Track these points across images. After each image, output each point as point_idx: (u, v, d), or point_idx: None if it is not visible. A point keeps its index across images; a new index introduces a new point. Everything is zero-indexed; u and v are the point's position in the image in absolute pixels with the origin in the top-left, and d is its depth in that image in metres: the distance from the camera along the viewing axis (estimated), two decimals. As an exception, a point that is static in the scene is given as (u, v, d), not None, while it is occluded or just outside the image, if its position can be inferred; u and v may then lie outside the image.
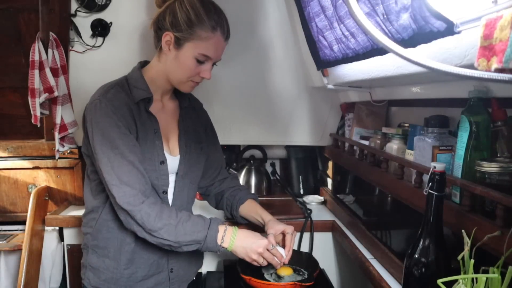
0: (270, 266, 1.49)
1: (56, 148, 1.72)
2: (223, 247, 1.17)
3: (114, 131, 1.12)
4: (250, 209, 1.41)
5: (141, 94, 1.21)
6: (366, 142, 1.50)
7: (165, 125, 1.28)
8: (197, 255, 1.41)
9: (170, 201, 1.27)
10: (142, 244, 1.23)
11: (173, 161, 1.27)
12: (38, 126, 1.69)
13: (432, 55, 0.81)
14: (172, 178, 1.28)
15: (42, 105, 1.66)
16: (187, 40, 1.15)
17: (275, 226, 1.31)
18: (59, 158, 1.80)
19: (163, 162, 1.23)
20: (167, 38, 1.17)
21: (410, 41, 0.82)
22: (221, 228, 1.17)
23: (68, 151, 1.82)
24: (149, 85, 1.23)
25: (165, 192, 1.25)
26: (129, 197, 1.10)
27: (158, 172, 1.21)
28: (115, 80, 1.24)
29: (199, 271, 1.71)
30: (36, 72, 1.63)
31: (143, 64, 1.29)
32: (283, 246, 1.30)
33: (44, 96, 1.63)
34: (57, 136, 1.69)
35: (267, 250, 1.20)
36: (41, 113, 1.68)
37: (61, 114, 1.69)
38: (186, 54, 1.17)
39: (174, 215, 1.14)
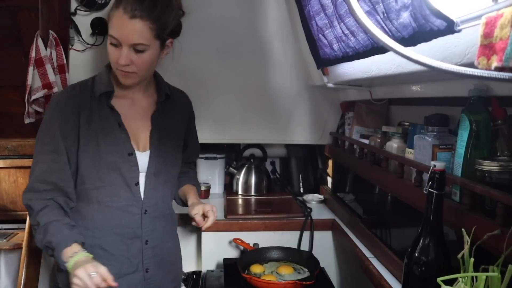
0: (270, 264, 1.50)
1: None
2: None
3: (47, 127, 1.18)
4: (183, 191, 1.39)
5: (102, 88, 1.21)
6: (366, 141, 1.50)
7: (133, 120, 1.25)
8: (175, 265, 1.37)
9: (142, 196, 1.23)
10: (110, 242, 1.20)
11: (141, 156, 1.23)
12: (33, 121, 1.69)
13: (432, 53, 0.81)
14: (143, 175, 1.24)
15: (37, 102, 1.66)
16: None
17: (195, 207, 1.29)
18: (59, 156, 1.80)
19: (132, 153, 1.21)
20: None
21: (410, 40, 0.82)
22: (70, 250, 1.08)
23: (68, 150, 1.81)
24: (114, 81, 1.22)
25: (137, 184, 1.22)
26: (31, 190, 1.16)
27: (128, 163, 1.20)
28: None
29: (199, 269, 1.71)
30: (35, 69, 1.63)
31: None
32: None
33: (42, 92, 1.63)
34: (57, 135, 1.69)
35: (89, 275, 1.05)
36: (36, 111, 1.67)
37: (60, 113, 1.69)
38: (108, 41, 1.16)
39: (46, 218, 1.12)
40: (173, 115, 1.34)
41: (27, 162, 1.86)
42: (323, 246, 1.69)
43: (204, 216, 1.27)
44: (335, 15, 1.14)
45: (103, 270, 1.04)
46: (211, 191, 2.04)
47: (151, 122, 1.28)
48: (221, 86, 1.88)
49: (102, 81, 1.22)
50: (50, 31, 1.65)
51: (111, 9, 1.13)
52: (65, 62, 1.72)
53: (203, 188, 1.99)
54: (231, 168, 2.11)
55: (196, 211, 1.26)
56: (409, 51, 0.56)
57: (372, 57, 1.06)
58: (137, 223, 1.22)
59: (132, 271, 1.23)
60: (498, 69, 0.48)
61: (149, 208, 1.23)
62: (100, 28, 1.71)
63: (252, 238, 1.64)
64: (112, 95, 1.22)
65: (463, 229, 0.76)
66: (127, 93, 1.26)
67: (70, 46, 1.75)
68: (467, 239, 0.74)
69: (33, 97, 1.64)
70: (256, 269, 1.43)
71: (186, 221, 1.48)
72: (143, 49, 1.12)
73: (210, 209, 1.27)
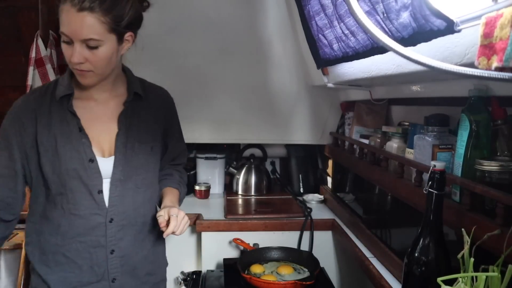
0: (270, 264, 1.50)
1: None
2: None
3: (3, 135, 1.15)
4: (161, 195, 1.29)
5: (61, 91, 1.15)
6: (366, 141, 1.50)
7: (98, 123, 1.18)
8: (154, 274, 1.28)
9: (106, 203, 1.15)
10: (74, 250, 1.15)
11: (105, 162, 1.15)
12: None
13: (432, 53, 0.81)
14: (107, 181, 1.16)
15: None
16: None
17: (162, 210, 1.18)
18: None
19: (93, 160, 1.14)
20: None
21: (410, 40, 0.82)
22: None
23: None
24: (76, 83, 1.15)
25: (101, 192, 1.15)
26: None
27: (89, 171, 1.13)
28: None
29: (199, 269, 1.71)
30: (35, 69, 1.63)
31: None
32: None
33: None
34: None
35: None
36: None
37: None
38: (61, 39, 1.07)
39: None
40: (146, 115, 1.24)
41: (27, 162, 1.86)
42: (323, 246, 1.69)
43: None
44: (335, 15, 1.14)
45: None
46: (211, 191, 2.04)
47: (117, 124, 1.19)
48: (221, 86, 1.88)
49: (63, 84, 1.16)
50: (50, 31, 1.65)
51: (60, 3, 1.02)
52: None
53: (203, 188, 2.00)
54: (231, 168, 2.11)
55: (161, 213, 1.13)
56: (409, 51, 0.56)
57: (372, 57, 1.06)
58: (101, 232, 1.14)
59: (97, 280, 1.16)
60: (498, 69, 0.48)
61: (115, 216, 1.15)
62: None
63: (252, 238, 1.64)
64: (72, 97, 1.16)
65: (463, 229, 0.76)
66: (90, 94, 1.17)
67: (70, 46, 1.74)
68: (467, 239, 0.74)
69: None
70: (256, 269, 1.43)
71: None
72: (96, 45, 1.03)
73: (174, 213, 1.12)
